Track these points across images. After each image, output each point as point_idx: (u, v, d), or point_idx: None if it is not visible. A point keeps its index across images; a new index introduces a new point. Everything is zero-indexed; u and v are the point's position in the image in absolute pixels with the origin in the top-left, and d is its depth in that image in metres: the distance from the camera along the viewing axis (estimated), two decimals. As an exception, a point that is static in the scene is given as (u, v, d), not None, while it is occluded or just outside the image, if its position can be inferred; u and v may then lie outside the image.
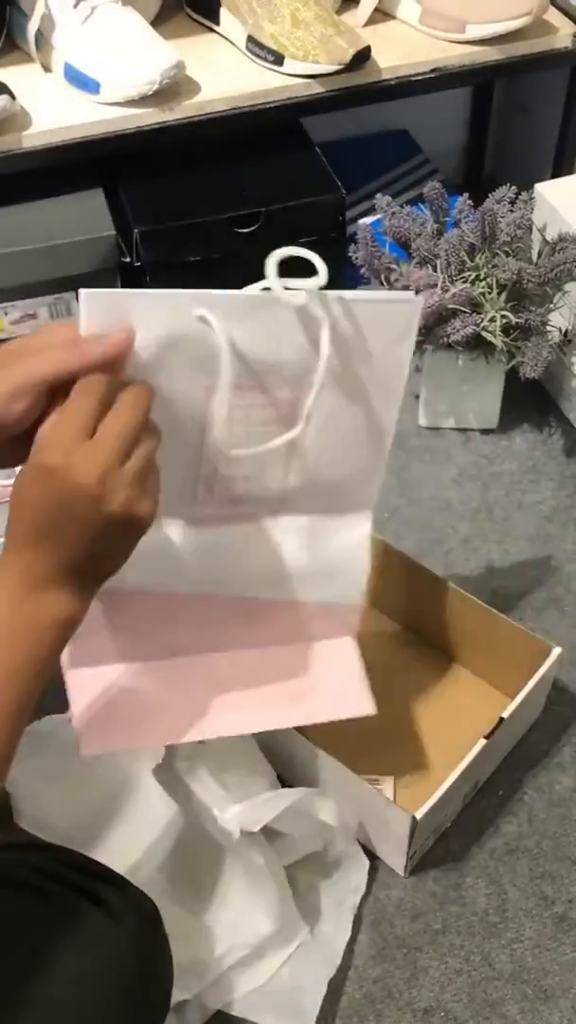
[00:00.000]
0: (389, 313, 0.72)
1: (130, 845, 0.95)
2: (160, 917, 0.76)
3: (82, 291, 0.63)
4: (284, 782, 0.95)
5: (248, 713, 0.82)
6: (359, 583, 0.83)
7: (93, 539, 0.63)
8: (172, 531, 0.77)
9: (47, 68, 1.24)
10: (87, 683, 0.80)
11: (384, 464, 0.79)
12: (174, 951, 0.77)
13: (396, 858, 0.94)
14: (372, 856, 0.96)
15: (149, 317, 0.65)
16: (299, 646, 0.85)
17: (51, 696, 1.03)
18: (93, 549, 0.63)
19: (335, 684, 0.85)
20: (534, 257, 1.25)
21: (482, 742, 0.92)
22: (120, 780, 0.98)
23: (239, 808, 0.87)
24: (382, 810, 0.90)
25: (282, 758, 0.96)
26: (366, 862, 0.95)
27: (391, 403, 0.76)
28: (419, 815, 0.87)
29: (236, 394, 0.70)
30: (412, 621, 1.12)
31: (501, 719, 0.93)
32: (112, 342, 0.63)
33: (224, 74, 1.25)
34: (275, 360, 0.71)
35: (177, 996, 0.84)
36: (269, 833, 0.88)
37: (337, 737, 0.91)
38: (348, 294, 0.70)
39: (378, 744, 0.95)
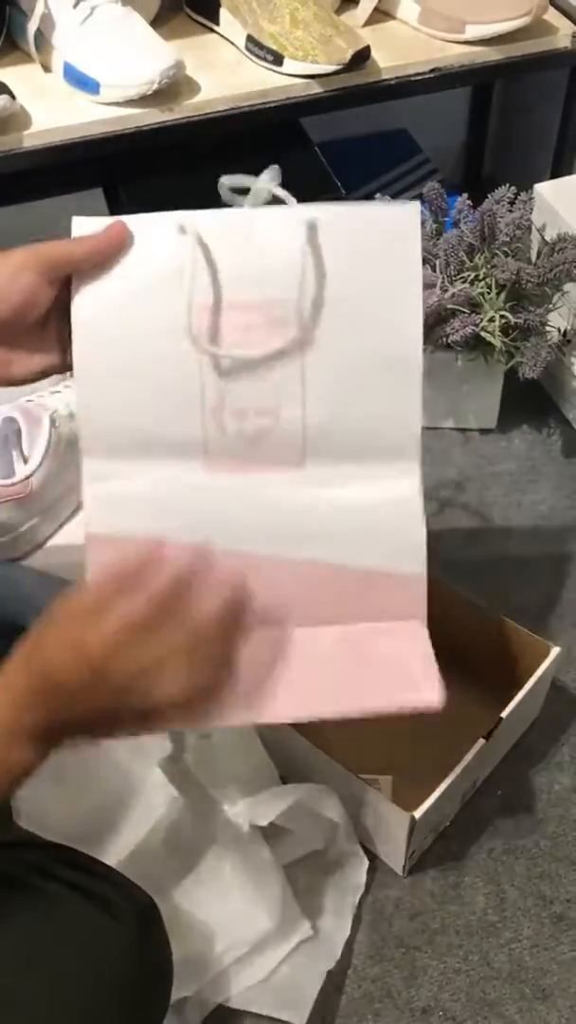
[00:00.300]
0: (385, 219, 0.69)
1: (130, 843, 0.96)
2: (160, 915, 0.76)
3: (74, 218, 0.69)
4: (283, 781, 0.96)
5: (293, 698, 0.70)
6: (415, 546, 0.72)
7: (96, 716, 0.60)
8: (189, 475, 0.72)
9: (47, 68, 1.24)
10: None
11: (419, 400, 0.71)
12: (174, 948, 0.77)
13: (395, 858, 0.95)
14: (371, 856, 0.96)
15: (136, 237, 0.69)
16: (356, 627, 0.74)
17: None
18: (91, 723, 0.61)
19: (398, 671, 0.73)
20: (533, 257, 1.25)
21: (481, 742, 0.92)
22: (120, 778, 0.98)
23: (248, 802, 0.87)
24: (381, 809, 0.90)
25: (281, 757, 0.96)
26: (366, 861, 0.95)
27: (407, 321, 0.70)
28: (418, 814, 0.87)
29: (231, 314, 0.69)
30: None
31: (500, 719, 0.93)
32: (110, 231, 0.69)
33: (223, 74, 1.25)
34: (266, 275, 0.69)
35: (177, 993, 0.84)
36: (271, 832, 0.88)
37: (335, 736, 0.90)
38: (339, 204, 0.69)
39: (377, 743, 0.95)
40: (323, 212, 0.69)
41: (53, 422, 1.06)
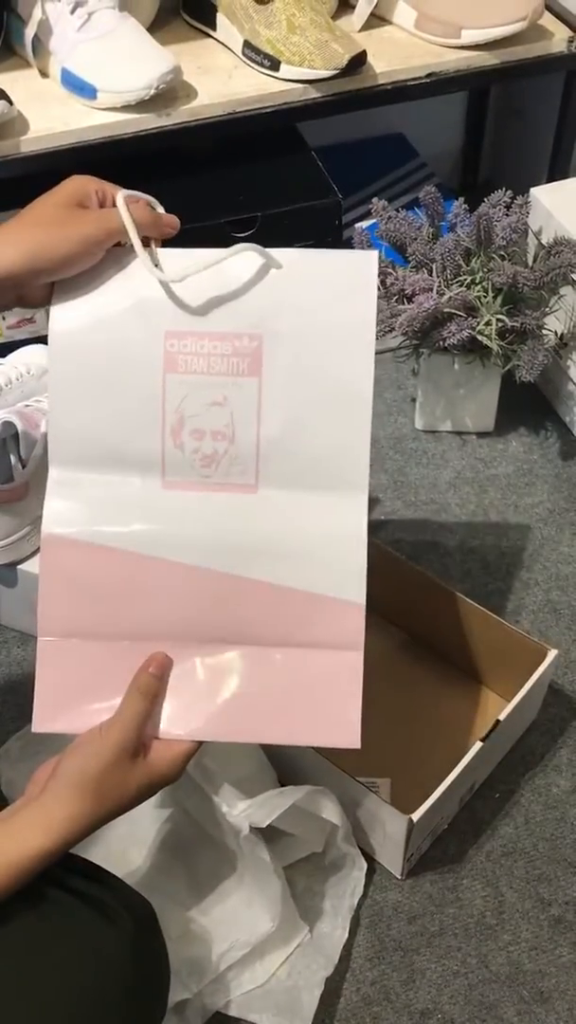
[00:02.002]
0: (346, 266, 0.74)
1: (128, 846, 0.96)
2: (156, 918, 0.76)
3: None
4: (282, 784, 0.96)
5: (217, 718, 0.75)
6: (357, 574, 0.76)
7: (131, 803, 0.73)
8: (147, 490, 0.77)
9: (44, 73, 1.25)
10: (54, 655, 0.77)
11: (367, 436, 0.75)
12: (173, 951, 0.77)
13: (393, 860, 0.95)
14: (369, 859, 0.96)
15: (117, 261, 0.74)
16: (293, 651, 0.76)
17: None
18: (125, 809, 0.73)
19: (326, 704, 0.75)
20: (529, 261, 1.25)
21: (478, 744, 0.92)
22: None
23: (247, 804, 0.87)
24: (379, 812, 0.91)
25: (280, 760, 0.97)
26: (364, 864, 0.95)
27: (360, 364, 0.74)
28: (415, 817, 0.87)
29: (195, 341, 0.75)
30: (409, 624, 1.12)
31: (497, 721, 0.94)
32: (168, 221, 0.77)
33: (220, 79, 1.25)
34: (230, 310, 0.74)
35: (177, 995, 0.85)
36: (270, 834, 0.88)
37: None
38: (301, 250, 0.73)
39: (375, 746, 0.95)
40: (288, 256, 0.74)
41: None
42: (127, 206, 0.73)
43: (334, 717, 0.75)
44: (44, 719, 0.77)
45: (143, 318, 0.75)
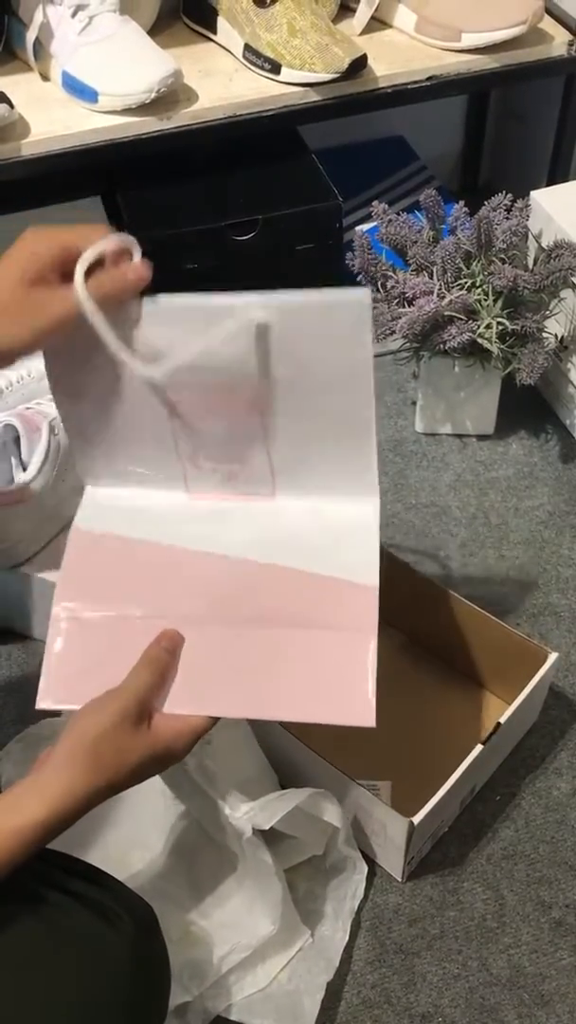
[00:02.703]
0: (339, 307, 0.72)
1: (128, 849, 0.96)
2: (156, 920, 0.76)
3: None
4: (283, 787, 0.96)
5: (231, 694, 0.75)
6: (371, 559, 0.78)
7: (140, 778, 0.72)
8: (172, 498, 0.82)
9: (45, 77, 1.25)
10: (67, 627, 0.77)
11: (375, 456, 0.77)
12: (174, 953, 0.77)
13: (394, 863, 0.95)
14: (370, 862, 0.96)
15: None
16: (309, 632, 0.77)
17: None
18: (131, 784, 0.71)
19: (340, 683, 0.76)
20: (530, 264, 1.26)
21: (479, 747, 0.92)
22: None
23: (250, 806, 0.87)
24: (380, 815, 0.91)
25: (281, 762, 0.97)
26: (364, 867, 0.95)
27: (361, 399, 0.74)
28: (416, 820, 0.87)
29: (195, 389, 0.75)
30: (410, 627, 1.12)
31: (498, 724, 0.94)
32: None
33: (221, 83, 1.26)
34: (226, 357, 0.73)
35: (178, 998, 0.85)
36: (271, 837, 0.88)
37: (334, 741, 0.91)
38: (291, 296, 0.71)
39: (375, 749, 0.95)
40: (280, 304, 0.71)
41: (52, 429, 1.06)
42: (87, 291, 0.66)
43: (350, 695, 0.75)
44: (49, 693, 0.75)
45: (142, 385, 0.75)
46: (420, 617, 1.09)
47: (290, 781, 0.96)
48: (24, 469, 1.06)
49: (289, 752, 0.95)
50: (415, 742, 1.04)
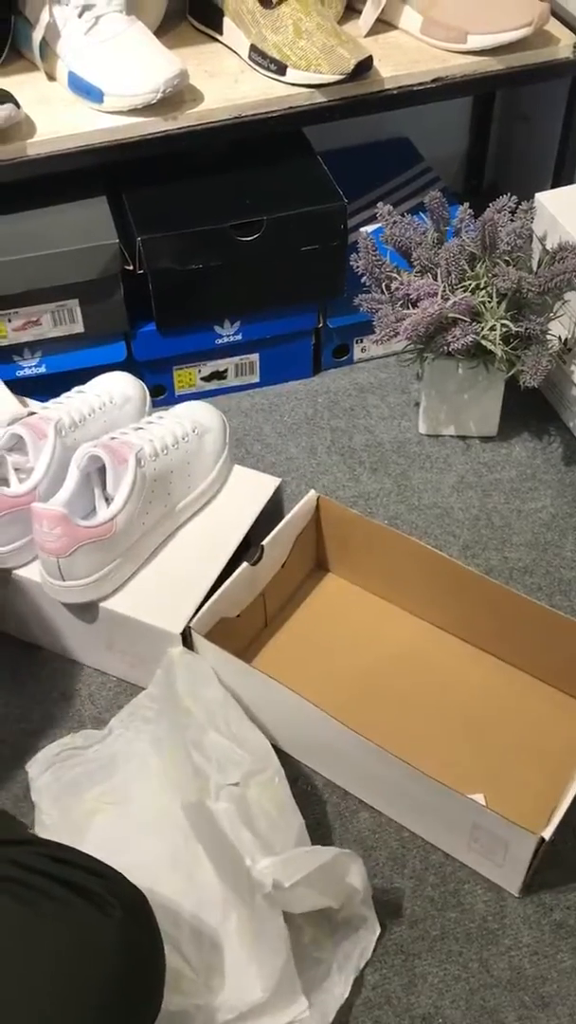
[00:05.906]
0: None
1: (136, 880, 0.93)
2: (149, 907, 0.75)
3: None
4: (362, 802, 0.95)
5: None
6: None
7: None
8: None
9: (51, 77, 1.25)
10: None
11: None
12: (165, 998, 0.75)
13: (511, 879, 0.94)
14: (483, 879, 0.95)
15: None
16: None
17: (62, 718, 1.02)
18: None
19: None
20: (534, 266, 1.26)
21: None
22: (146, 808, 0.97)
23: (272, 860, 0.83)
24: (501, 831, 0.88)
25: (371, 781, 0.96)
26: (378, 928, 0.92)
27: None
28: (546, 834, 0.86)
29: None
30: (478, 637, 1.11)
31: None
32: None
33: (227, 83, 1.26)
34: None
35: None
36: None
37: (422, 756, 0.90)
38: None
39: (461, 758, 0.94)
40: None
41: (139, 461, 1.02)
42: None
43: None
44: None
45: None
46: (490, 625, 1.08)
47: (375, 794, 0.95)
48: (108, 501, 1.02)
49: (372, 768, 0.93)
50: (500, 752, 1.02)
